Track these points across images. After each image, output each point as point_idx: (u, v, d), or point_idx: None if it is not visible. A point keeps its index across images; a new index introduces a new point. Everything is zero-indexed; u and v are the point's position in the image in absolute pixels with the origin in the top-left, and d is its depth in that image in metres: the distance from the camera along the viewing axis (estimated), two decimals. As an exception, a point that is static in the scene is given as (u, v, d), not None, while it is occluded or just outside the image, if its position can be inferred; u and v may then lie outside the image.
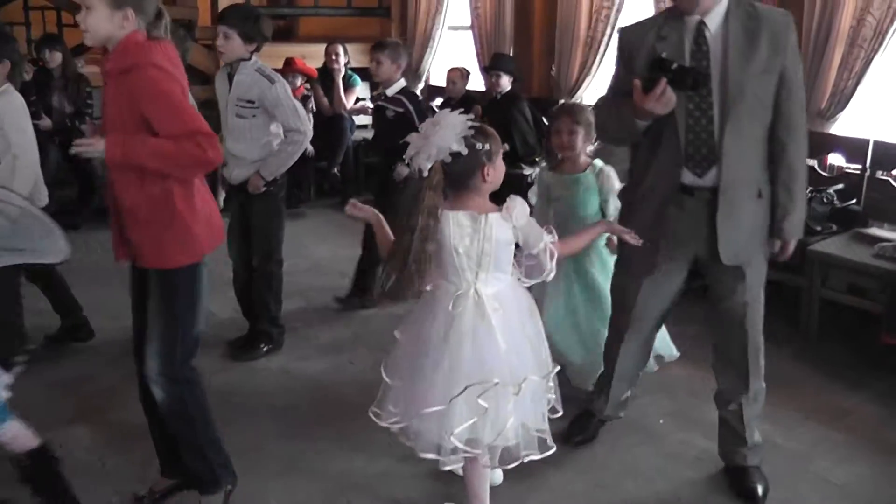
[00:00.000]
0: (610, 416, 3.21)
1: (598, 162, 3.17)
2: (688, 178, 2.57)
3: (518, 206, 2.38)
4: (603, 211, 3.27)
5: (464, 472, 2.59)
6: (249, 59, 3.75)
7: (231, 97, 3.80)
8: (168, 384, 2.56)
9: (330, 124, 6.91)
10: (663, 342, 3.42)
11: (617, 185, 3.14)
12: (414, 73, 8.07)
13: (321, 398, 3.68)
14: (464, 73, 6.63)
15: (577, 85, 6.42)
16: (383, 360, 2.56)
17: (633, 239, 2.58)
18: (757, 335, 2.76)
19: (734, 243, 2.61)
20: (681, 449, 3.26)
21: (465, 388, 2.31)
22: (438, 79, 8.04)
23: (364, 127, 7.42)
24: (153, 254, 2.47)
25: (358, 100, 7.27)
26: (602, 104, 2.69)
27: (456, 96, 6.61)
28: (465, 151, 2.28)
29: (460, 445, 2.37)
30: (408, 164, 2.35)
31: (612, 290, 2.93)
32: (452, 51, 8.00)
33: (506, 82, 6.06)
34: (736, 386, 2.84)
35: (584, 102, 3.08)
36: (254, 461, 3.13)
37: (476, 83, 6.98)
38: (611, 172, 3.18)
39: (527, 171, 5.44)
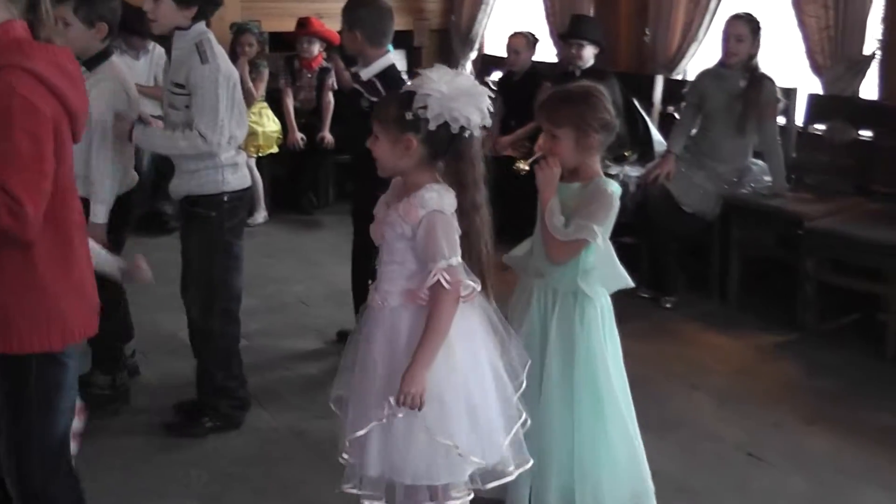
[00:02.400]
0: None
1: (609, 183, 3.04)
2: None
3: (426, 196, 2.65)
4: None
5: None
6: (188, 27, 3.66)
7: (166, 79, 3.77)
8: (22, 498, 2.51)
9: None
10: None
11: (602, 217, 2.98)
12: (464, 38, 8.08)
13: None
14: (530, 41, 6.58)
15: (679, 55, 6.35)
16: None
17: None
18: None
19: None
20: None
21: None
22: (496, 46, 7.99)
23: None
24: None
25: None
26: None
27: (519, 69, 6.58)
28: (475, 133, 2.67)
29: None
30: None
31: None
32: (513, 8, 7.96)
33: (589, 54, 5.98)
34: None
35: (594, 90, 3.01)
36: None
37: (544, 52, 6.93)
38: (606, 199, 3.02)
39: (613, 169, 5.39)
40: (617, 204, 2.99)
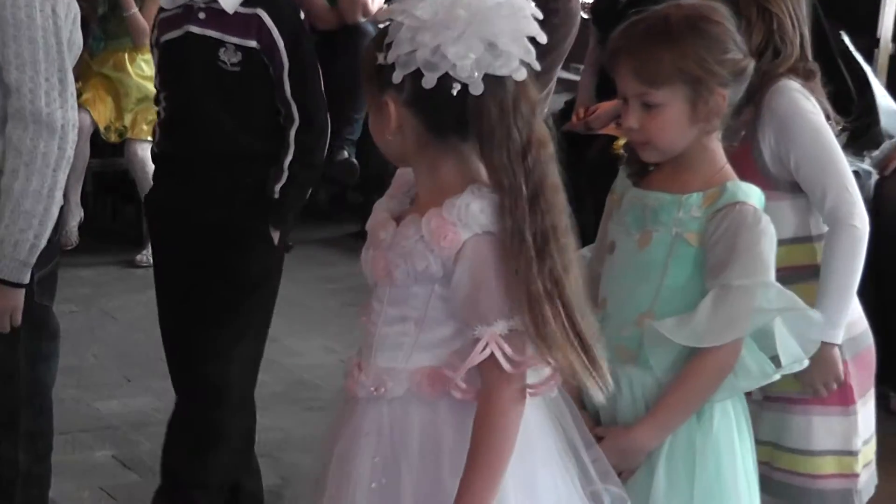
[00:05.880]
0: None
1: (749, 193, 3.13)
2: None
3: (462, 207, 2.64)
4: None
5: None
6: None
7: None
8: None
9: (336, 50, 7.26)
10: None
11: (768, 259, 3.09)
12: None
13: None
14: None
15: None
16: None
17: None
18: None
19: None
20: None
21: None
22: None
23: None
24: None
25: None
26: None
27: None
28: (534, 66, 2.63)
29: None
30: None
31: None
32: None
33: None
34: None
35: (706, 8, 3.10)
36: None
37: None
38: (758, 227, 3.11)
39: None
40: (771, 228, 3.08)
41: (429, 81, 2.54)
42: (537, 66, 2.62)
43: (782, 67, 3.44)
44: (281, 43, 4.46)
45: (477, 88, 2.54)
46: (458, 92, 2.55)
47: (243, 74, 4.48)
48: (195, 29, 4.45)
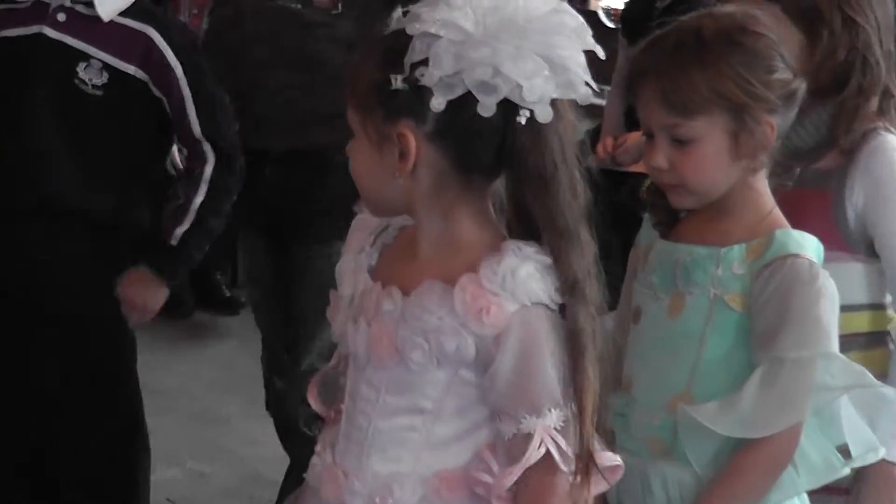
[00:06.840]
0: None
1: (804, 244, 3.05)
2: None
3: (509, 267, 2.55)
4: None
5: None
6: None
7: None
8: None
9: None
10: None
11: (826, 319, 2.98)
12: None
13: None
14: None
15: None
16: None
17: None
18: None
19: None
20: None
21: None
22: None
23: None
24: None
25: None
26: None
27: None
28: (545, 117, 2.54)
29: None
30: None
31: None
32: None
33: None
34: None
35: (746, 19, 3.00)
36: None
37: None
38: (814, 286, 3.01)
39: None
40: (831, 285, 3.00)
41: (487, 108, 2.46)
42: (595, 88, 2.57)
43: (873, 101, 3.39)
44: (179, 70, 4.35)
45: (545, 115, 2.48)
46: (504, 118, 2.49)
47: (106, 103, 4.26)
48: (50, 32, 4.21)
